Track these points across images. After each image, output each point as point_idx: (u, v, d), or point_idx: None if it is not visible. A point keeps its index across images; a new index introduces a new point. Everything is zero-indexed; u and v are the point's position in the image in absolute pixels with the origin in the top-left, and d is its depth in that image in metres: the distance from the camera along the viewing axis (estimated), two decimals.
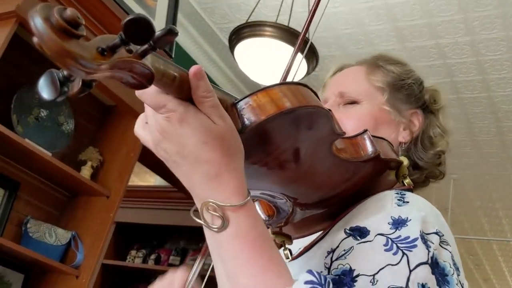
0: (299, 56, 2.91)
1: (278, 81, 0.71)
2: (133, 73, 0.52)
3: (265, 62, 3.13)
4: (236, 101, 0.66)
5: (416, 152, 0.99)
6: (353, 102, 0.99)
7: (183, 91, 0.60)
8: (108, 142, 2.78)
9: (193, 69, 0.60)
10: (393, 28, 3.60)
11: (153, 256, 4.53)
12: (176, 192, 4.27)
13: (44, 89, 0.49)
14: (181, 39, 3.83)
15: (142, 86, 0.53)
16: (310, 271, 0.63)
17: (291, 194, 0.79)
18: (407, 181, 0.86)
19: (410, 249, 0.67)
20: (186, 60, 3.56)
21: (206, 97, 0.61)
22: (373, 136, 0.80)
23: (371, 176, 0.82)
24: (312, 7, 0.87)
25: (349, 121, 0.94)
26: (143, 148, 2.73)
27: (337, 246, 0.73)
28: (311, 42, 2.96)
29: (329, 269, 0.72)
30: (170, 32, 0.50)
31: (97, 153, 2.71)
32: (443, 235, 0.72)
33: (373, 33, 3.68)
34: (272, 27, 2.94)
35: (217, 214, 0.61)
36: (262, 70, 3.22)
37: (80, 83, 0.51)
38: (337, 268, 0.69)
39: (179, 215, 4.42)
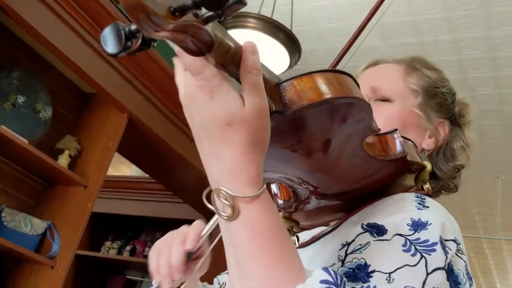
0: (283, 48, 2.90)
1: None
2: (195, 39, 0.51)
3: None
4: (280, 82, 0.64)
5: (437, 162, 0.98)
6: (385, 100, 0.98)
7: (232, 64, 0.59)
8: (86, 131, 2.73)
9: (248, 43, 0.59)
10: (377, 24, 3.60)
11: (128, 248, 4.48)
12: (153, 183, 4.23)
13: (109, 41, 0.49)
14: None
15: (200, 53, 0.52)
16: (326, 269, 0.60)
17: (313, 183, 0.78)
18: (426, 186, 0.84)
19: (429, 253, 0.67)
20: (167, 51, 3.50)
21: (252, 72, 0.59)
22: (402, 136, 0.79)
23: (392, 176, 0.81)
24: None
25: (378, 119, 0.91)
26: (122, 138, 2.69)
27: (353, 240, 0.73)
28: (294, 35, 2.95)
29: (343, 261, 0.71)
30: (240, 1, 0.49)
31: (75, 141, 2.66)
32: (459, 244, 0.72)
33: (356, 28, 3.68)
34: (255, 19, 2.91)
35: (228, 203, 0.59)
36: None
37: (140, 40, 0.51)
38: (352, 262, 0.68)
39: (155, 206, 4.38)
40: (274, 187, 0.87)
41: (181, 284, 0.91)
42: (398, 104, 0.97)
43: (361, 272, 0.66)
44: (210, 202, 0.61)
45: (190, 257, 0.89)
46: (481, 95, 4.10)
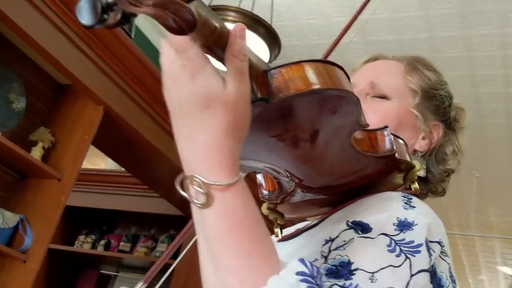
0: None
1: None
2: (176, 16, 0.50)
3: None
4: (269, 69, 0.63)
5: (428, 164, 0.98)
6: (383, 97, 0.97)
7: (218, 46, 0.58)
8: (61, 123, 2.68)
9: (238, 26, 0.58)
10: (355, 21, 3.60)
11: (102, 242, 4.42)
12: (128, 177, 4.17)
13: (84, 13, 0.47)
14: (141, 22, 3.72)
15: (182, 32, 0.52)
16: (302, 261, 0.59)
17: (298, 175, 0.77)
18: (414, 186, 0.83)
19: (414, 254, 0.66)
20: (145, 44, 3.46)
21: (237, 56, 0.57)
22: (392, 134, 0.78)
23: (380, 173, 0.81)
24: None
25: (374, 115, 0.91)
26: (98, 130, 2.64)
27: (337, 236, 0.72)
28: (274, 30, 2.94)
29: (326, 257, 0.70)
30: None
31: (49, 133, 2.60)
32: (444, 246, 0.72)
33: (335, 25, 3.68)
34: (235, 12, 2.89)
35: (202, 191, 0.57)
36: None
37: (120, 15, 0.49)
38: (335, 259, 0.67)
39: (130, 200, 4.33)
40: (259, 177, 0.87)
41: None
42: (395, 103, 0.96)
43: (343, 269, 0.65)
44: (183, 189, 0.59)
45: None
46: (459, 93, 4.13)
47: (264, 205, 0.86)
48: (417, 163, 0.84)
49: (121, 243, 4.37)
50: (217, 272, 0.60)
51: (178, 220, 4.10)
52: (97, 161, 6.44)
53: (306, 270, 0.58)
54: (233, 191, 0.58)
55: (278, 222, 0.87)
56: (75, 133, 2.62)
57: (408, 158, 0.81)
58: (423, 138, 0.97)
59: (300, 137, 0.68)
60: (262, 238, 0.60)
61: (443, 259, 0.70)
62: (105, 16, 0.47)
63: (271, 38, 2.89)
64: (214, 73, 0.57)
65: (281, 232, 0.88)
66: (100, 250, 4.38)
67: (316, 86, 0.62)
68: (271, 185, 0.85)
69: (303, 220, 0.93)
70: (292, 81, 0.62)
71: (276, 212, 0.87)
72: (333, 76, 0.64)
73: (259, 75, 0.62)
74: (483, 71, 3.86)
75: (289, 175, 0.77)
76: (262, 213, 0.70)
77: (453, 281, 0.71)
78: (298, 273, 0.57)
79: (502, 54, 3.66)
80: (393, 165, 0.79)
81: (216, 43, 0.57)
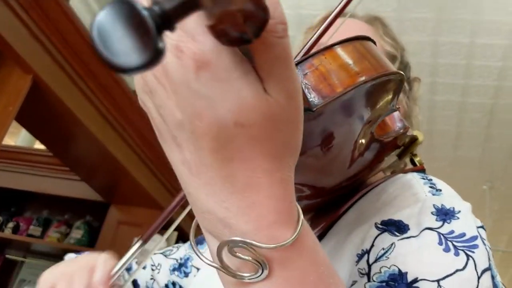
0: None
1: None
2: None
3: None
4: (296, 62, 0.46)
5: None
6: None
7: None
8: None
9: None
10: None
11: (10, 224, 4.06)
12: (42, 156, 3.89)
13: (118, 44, 0.25)
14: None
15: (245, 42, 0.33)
16: None
17: (309, 183, 0.62)
18: (418, 159, 0.72)
19: (473, 250, 0.52)
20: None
21: (276, 32, 0.34)
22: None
23: (381, 156, 0.67)
24: None
25: None
26: (23, 103, 2.37)
27: (372, 245, 0.56)
28: None
29: (368, 275, 0.54)
30: None
31: None
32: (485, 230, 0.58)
33: (307, 17, 3.58)
34: None
35: (250, 259, 0.37)
36: None
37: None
38: (381, 273, 0.52)
39: (43, 181, 4.00)
40: None
41: None
42: None
43: (399, 284, 0.50)
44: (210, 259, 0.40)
45: None
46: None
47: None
48: (419, 134, 0.72)
49: (31, 227, 4.03)
50: None
51: (97, 206, 3.86)
52: (6, 137, 5.98)
53: None
54: (298, 247, 0.39)
55: None
56: None
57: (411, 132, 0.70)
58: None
59: (333, 147, 0.54)
60: None
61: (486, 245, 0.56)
62: (160, 43, 0.26)
63: None
64: (243, 65, 0.35)
65: None
66: (7, 233, 4.01)
67: (365, 75, 0.48)
68: None
69: None
70: (333, 75, 0.46)
71: None
72: (376, 56, 0.51)
73: None
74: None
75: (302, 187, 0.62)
76: None
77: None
78: None
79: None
80: (394, 143, 0.66)
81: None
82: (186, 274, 0.95)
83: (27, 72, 2.37)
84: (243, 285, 0.38)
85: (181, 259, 0.97)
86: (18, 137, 4.73)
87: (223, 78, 0.34)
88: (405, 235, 0.55)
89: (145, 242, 0.68)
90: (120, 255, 0.88)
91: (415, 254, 0.52)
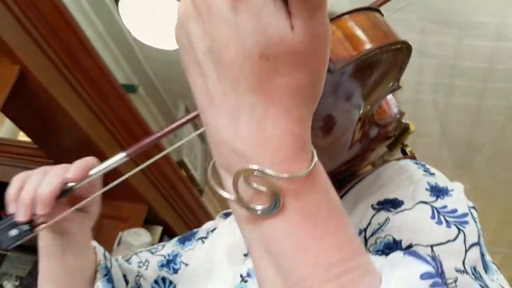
0: None
1: None
2: None
3: (157, 20, 2.88)
4: None
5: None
6: None
7: None
8: None
9: None
10: None
11: None
12: (26, 148, 3.79)
13: None
14: None
15: None
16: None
17: None
18: (409, 149, 0.74)
19: (463, 226, 0.54)
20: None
21: None
22: None
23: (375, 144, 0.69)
24: None
25: None
26: (9, 94, 2.33)
27: (369, 223, 0.60)
28: None
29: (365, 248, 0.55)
30: None
31: None
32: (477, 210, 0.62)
33: None
34: None
35: (264, 190, 0.38)
36: (154, 29, 2.97)
37: None
38: (377, 244, 0.55)
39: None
40: None
41: (40, 223, 0.71)
42: None
43: (394, 251, 0.47)
44: (221, 186, 0.40)
45: (67, 193, 0.69)
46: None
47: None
48: (411, 123, 0.73)
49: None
50: None
51: None
52: None
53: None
54: (311, 181, 0.39)
55: None
56: None
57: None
58: None
59: (343, 124, 0.56)
60: (352, 238, 0.40)
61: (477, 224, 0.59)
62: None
63: None
64: (276, 2, 0.37)
65: None
66: None
67: (380, 41, 0.50)
68: None
69: None
70: (349, 40, 0.49)
71: None
72: (387, 26, 0.53)
73: None
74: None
75: None
76: None
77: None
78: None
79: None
80: (385, 133, 0.68)
81: None
82: (175, 271, 0.95)
83: (14, 62, 2.33)
84: (256, 221, 0.39)
85: (168, 255, 0.97)
86: (1, 128, 4.67)
87: (255, 12, 0.36)
88: (399, 209, 0.58)
89: (129, 155, 0.69)
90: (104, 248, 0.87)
91: (409, 224, 0.55)
